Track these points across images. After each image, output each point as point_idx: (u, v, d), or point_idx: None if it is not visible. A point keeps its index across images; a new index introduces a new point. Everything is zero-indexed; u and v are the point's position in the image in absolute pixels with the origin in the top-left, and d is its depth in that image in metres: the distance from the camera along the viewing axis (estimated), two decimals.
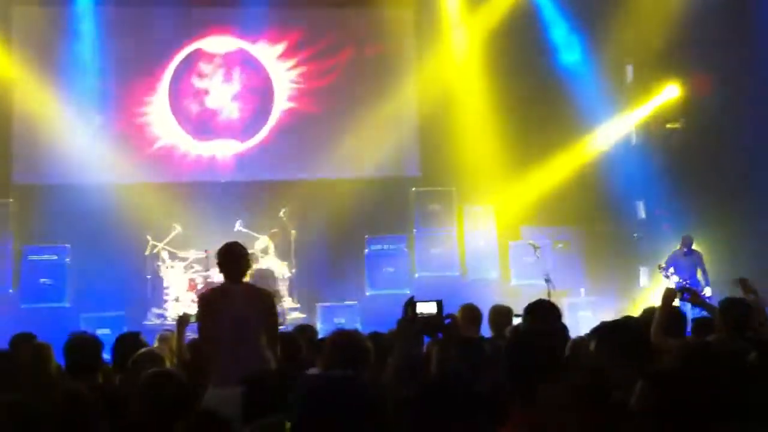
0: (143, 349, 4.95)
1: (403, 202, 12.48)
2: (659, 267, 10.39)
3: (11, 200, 11.62)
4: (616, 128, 12.56)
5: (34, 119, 11.92)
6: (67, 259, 11.46)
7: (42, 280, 11.33)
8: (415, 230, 12.31)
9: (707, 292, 10.50)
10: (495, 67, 12.43)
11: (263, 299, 5.37)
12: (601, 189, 12.23)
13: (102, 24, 12.11)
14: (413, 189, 12.55)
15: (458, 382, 3.18)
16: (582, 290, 11.54)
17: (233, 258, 5.34)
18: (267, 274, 10.93)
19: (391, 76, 12.72)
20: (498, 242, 12.30)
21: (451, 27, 12.76)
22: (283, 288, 11.37)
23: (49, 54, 12.00)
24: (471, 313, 5.77)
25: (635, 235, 11.89)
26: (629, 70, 12.68)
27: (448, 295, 8.88)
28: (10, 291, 11.32)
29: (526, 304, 4.87)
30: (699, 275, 10.56)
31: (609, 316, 7.49)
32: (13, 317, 10.36)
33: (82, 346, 4.75)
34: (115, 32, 12.18)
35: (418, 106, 12.88)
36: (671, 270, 10.36)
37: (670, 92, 12.14)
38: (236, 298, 5.24)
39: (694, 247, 10.83)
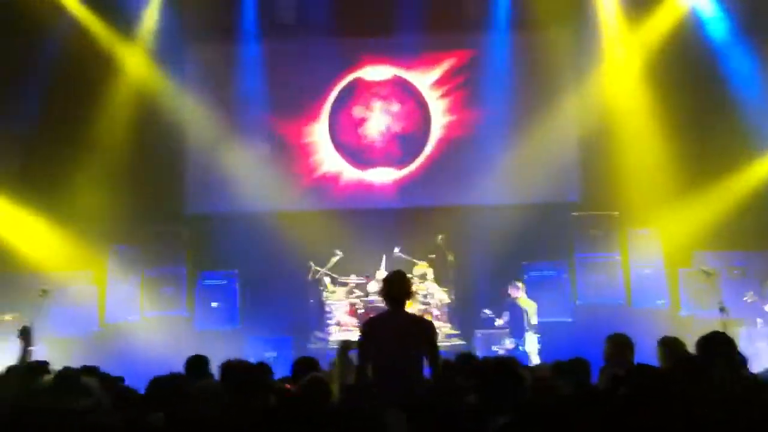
0: (311, 374, 5.07)
1: (561, 227, 12.15)
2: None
3: (184, 228, 12.33)
4: None
5: (205, 151, 12.63)
6: (237, 284, 12.01)
7: (213, 303, 11.93)
8: (575, 256, 11.99)
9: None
10: (658, 85, 11.99)
11: (424, 327, 5.51)
12: None
13: (265, 57, 12.72)
14: (573, 214, 12.22)
15: None
16: (759, 320, 10.75)
17: (397, 287, 5.53)
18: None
19: (550, 98, 12.49)
20: (666, 269, 11.75)
21: (611, 46, 12.41)
22: (442, 314, 11.35)
23: (217, 88, 12.66)
24: (620, 341, 5.58)
25: None
26: None
27: (611, 323, 8.57)
28: (186, 314, 11.98)
29: (698, 337, 4.68)
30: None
31: None
32: (189, 338, 11.05)
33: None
34: (278, 65, 12.75)
35: (578, 128, 12.56)
36: (487, 311, 10.58)
37: None
38: (398, 326, 5.39)
39: None
